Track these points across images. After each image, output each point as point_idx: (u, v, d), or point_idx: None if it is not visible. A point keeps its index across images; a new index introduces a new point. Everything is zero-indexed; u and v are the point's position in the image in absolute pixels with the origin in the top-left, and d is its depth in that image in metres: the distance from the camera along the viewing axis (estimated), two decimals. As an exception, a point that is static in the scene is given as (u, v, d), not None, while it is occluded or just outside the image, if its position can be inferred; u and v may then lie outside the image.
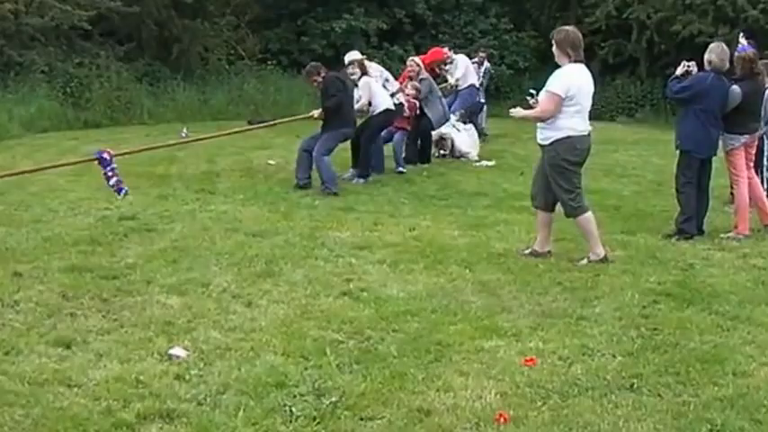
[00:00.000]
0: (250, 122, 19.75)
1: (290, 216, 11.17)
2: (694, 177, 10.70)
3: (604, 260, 9.22)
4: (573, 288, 8.37)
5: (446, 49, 19.17)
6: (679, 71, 10.81)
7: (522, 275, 8.71)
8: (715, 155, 10.83)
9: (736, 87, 10.65)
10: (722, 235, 10.69)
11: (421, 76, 15.50)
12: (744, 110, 10.72)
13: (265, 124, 15.76)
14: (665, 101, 25.75)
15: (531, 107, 9.29)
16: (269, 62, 25.95)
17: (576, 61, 9.07)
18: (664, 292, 8.29)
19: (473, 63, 20.00)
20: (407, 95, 15.02)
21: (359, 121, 13.83)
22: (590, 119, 9.36)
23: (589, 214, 9.40)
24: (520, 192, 13.29)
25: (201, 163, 15.58)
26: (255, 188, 13.04)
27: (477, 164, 15.88)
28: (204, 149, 16.79)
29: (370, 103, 13.84)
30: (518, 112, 9.50)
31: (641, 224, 11.26)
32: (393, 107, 14.05)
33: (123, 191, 9.96)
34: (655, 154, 18.30)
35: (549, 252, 9.52)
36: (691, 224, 10.61)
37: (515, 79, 27.50)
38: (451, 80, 18.64)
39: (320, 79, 13.18)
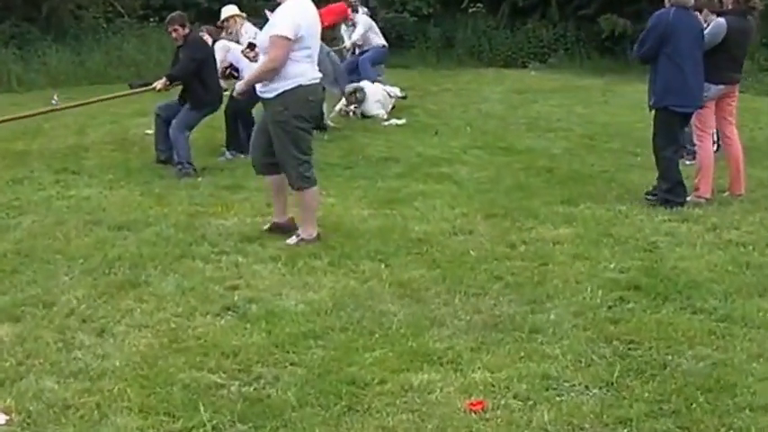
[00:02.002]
0: (131, 86, 17.49)
1: (165, 200, 9.26)
2: (677, 137, 9.09)
3: (317, 239, 7.71)
4: (517, 284, 6.69)
5: (349, 10, 16.93)
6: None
7: (452, 269, 6.99)
8: (699, 107, 9.10)
9: (721, 20, 9.04)
10: (679, 200, 9.12)
11: None
12: (724, 52, 9.10)
13: (80, 102, 13.49)
14: (579, 44, 24.34)
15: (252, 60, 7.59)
16: (151, 19, 23.55)
17: None
18: (630, 283, 6.65)
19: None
20: None
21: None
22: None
23: (316, 189, 7.84)
24: (436, 155, 11.61)
25: (70, 135, 13.49)
26: (128, 165, 11.03)
27: (386, 123, 14.06)
28: (74, 119, 14.69)
29: (237, 71, 11.75)
30: (240, 86, 7.94)
31: (582, 190, 9.59)
32: None
33: None
34: (577, 103, 16.68)
35: (292, 219, 7.99)
36: (677, 192, 8.96)
37: (420, 27, 25.63)
38: (348, 42, 16.65)
39: (183, 32, 10.97)
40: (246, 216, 8.62)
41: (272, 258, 7.28)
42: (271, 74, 7.44)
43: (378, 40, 16.72)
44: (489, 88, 18.85)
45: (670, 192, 8.99)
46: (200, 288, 6.59)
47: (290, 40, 7.33)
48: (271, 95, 7.51)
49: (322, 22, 14.16)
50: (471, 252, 7.43)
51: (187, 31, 10.98)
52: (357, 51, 16.62)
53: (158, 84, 11.10)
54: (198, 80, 10.75)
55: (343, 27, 16.93)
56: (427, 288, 6.60)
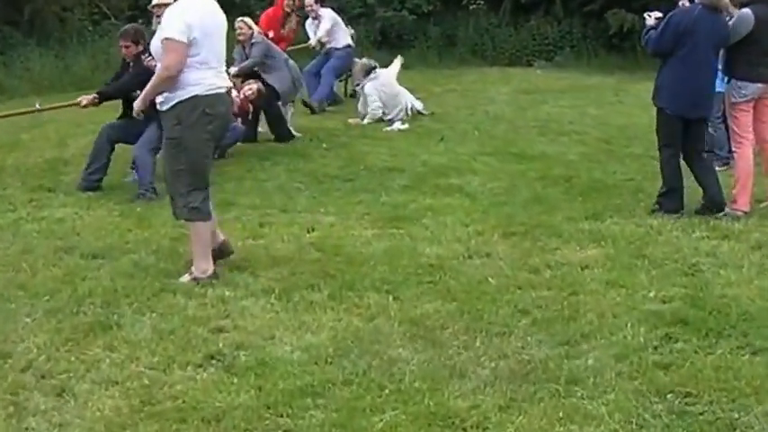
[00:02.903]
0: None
1: (146, 221, 8.34)
2: (676, 140, 8.33)
3: (213, 276, 6.65)
4: (545, 320, 5.80)
5: (311, 0, 15.75)
6: (652, 22, 8.39)
7: (470, 302, 6.12)
8: (706, 115, 8.37)
9: (746, 10, 8.22)
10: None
11: (253, 40, 12.31)
12: (754, 45, 8.29)
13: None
14: (586, 42, 23.46)
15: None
16: (139, 21, 22.58)
17: None
18: (675, 317, 5.78)
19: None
20: (242, 92, 11.63)
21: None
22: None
23: (209, 223, 6.77)
24: (443, 164, 10.73)
25: (49, 148, 12.53)
26: (108, 180, 9.98)
27: (388, 128, 13.15)
28: (56, 129, 13.77)
29: None
30: (137, 103, 6.87)
31: (607, 202, 8.73)
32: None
33: None
34: (589, 103, 15.79)
35: (225, 241, 7.03)
36: (671, 199, 8.26)
37: (419, 25, 24.72)
38: (313, 40, 15.62)
39: (136, 51, 9.65)
40: (237, 239, 7.67)
41: (263, 291, 6.39)
42: (167, 83, 6.46)
43: (344, 38, 15.62)
44: (495, 89, 17.95)
45: (664, 195, 8.36)
46: (180, 331, 5.69)
47: (184, 43, 6.40)
48: (165, 107, 6.58)
49: (275, 21, 13.21)
50: (490, 280, 6.55)
51: (141, 49, 9.58)
52: (322, 49, 15.57)
53: (84, 99, 9.85)
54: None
55: (309, 21, 15.88)
56: (443, 326, 5.72)
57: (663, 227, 7.83)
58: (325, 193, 9.42)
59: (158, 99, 6.63)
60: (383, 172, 10.39)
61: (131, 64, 9.83)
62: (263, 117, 12.39)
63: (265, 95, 11.89)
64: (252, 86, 11.70)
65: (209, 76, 6.53)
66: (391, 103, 13.69)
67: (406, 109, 13.76)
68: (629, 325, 5.63)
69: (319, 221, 8.27)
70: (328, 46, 15.44)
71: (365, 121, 13.60)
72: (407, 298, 6.22)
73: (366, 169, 10.52)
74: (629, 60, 21.89)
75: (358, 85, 14.66)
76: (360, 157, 11.14)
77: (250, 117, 12.03)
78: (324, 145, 11.96)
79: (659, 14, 8.53)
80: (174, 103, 6.49)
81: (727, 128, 9.92)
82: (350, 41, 15.71)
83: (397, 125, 13.25)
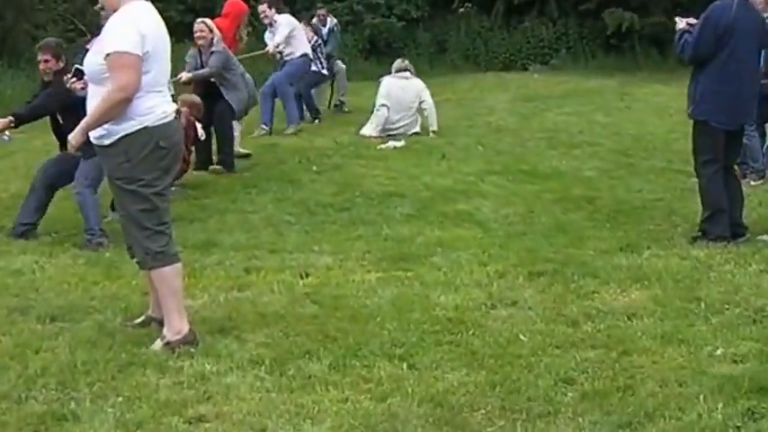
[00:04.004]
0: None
1: (115, 270, 7.25)
2: (720, 154, 7.34)
3: (190, 342, 5.57)
4: (597, 393, 4.75)
5: (264, 6, 14.58)
6: (683, 25, 7.41)
7: (501, 370, 5.07)
8: (748, 123, 7.44)
9: None
10: (764, 237, 7.28)
11: (213, 48, 11.18)
12: None
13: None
14: (582, 42, 22.60)
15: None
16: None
17: None
18: (754, 383, 4.75)
19: (312, 25, 15.86)
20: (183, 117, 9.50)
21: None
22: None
23: (177, 267, 5.68)
24: (448, 187, 9.73)
25: (14, 180, 11.39)
26: (75, 218, 8.84)
27: (383, 146, 12.13)
28: (24, 159, 12.67)
29: None
30: (76, 135, 5.61)
31: (639, 228, 7.74)
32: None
33: None
34: (596, 110, 14.86)
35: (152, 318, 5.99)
36: (717, 223, 7.26)
37: (408, 31, 23.82)
38: (270, 46, 14.27)
39: (56, 66, 8.50)
40: (220, 291, 6.65)
41: (251, 362, 5.31)
42: (120, 108, 5.35)
43: (300, 47, 14.31)
44: (493, 96, 16.97)
45: (708, 220, 7.37)
46: (149, 424, 4.60)
47: (139, 56, 5.33)
48: (107, 142, 5.49)
49: (223, 32, 12.19)
50: (522, 337, 5.51)
51: (62, 65, 8.53)
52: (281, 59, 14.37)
53: (1, 122, 8.62)
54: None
55: (268, 33, 14.75)
56: (472, 406, 4.66)
57: (711, 259, 6.82)
58: (318, 227, 8.40)
59: (95, 132, 5.52)
60: (382, 198, 9.37)
61: (50, 82, 8.67)
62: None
63: (199, 106, 10.65)
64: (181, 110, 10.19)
65: (159, 103, 5.48)
66: (398, 111, 12.76)
67: (408, 129, 12.74)
68: (701, 397, 4.59)
69: (314, 264, 7.23)
70: (285, 56, 14.24)
71: (368, 130, 12.75)
72: (425, 366, 5.17)
73: (363, 195, 9.50)
74: (629, 61, 21.11)
75: (343, 95, 13.88)
76: (355, 182, 10.12)
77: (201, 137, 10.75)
78: (314, 168, 10.93)
79: (693, 20, 7.54)
80: (119, 136, 5.40)
81: (761, 135, 9.05)
82: (307, 50, 14.49)
83: (392, 143, 12.23)
